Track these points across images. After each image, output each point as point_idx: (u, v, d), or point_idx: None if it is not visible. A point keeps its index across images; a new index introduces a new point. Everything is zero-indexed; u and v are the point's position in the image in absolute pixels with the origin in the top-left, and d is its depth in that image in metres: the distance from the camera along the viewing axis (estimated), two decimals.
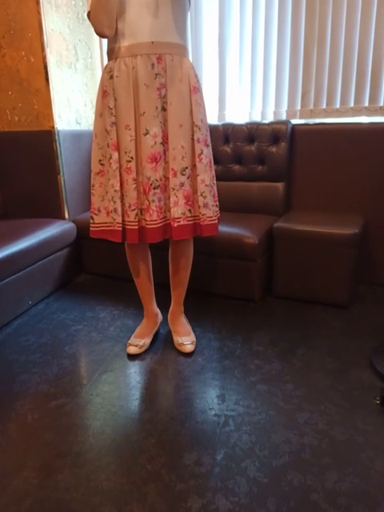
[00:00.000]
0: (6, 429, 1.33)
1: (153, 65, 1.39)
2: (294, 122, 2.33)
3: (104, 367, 1.64)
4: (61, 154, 2.35)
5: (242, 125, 2.36)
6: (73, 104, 2.45)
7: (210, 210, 1.54)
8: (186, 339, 1.74)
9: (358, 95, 2.22)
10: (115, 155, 1.46)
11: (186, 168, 1.48)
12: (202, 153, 1.49)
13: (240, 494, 1.07)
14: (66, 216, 2.46)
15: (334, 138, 2.24)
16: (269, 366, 1.62)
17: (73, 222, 2.42)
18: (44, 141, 2.33)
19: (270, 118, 2.43)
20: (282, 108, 2.40)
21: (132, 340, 1.74)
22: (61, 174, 2.38)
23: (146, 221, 1.49)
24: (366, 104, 2.22)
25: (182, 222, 1.51)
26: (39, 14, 2.14)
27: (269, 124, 2.31)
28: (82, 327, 1.95)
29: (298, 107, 2.36)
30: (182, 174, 1.48)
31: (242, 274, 2.08)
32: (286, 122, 2.28)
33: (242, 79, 2.45)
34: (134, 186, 1.46)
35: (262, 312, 2.06)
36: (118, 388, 1.52)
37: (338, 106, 2.28)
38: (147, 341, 1.76)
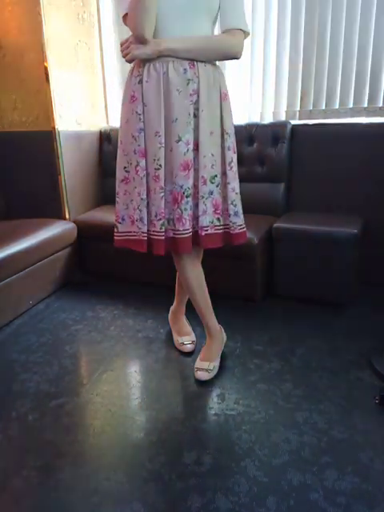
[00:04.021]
0: (7, 428, 1.33)
1: (185, 70, 1.34)
2: (294, 122, 2.34)
3: (104, 367, 1.64)
4: (61, 154, 2.35)
5: (241, 125, 2.36)
6: (73, 104, 2.45)
7: (239, 219, 1.52)
8: (186, 339, 1.75)
9: (357, 96, 2.22)
10: (142, 162, 1.40)
11: (216, 176, 1.44)
12: (232, 161, 1.47)
13: (240, 493, 1.08)
14: (67, 216, 2.46)
15: (334, 139, 2.24)
16: (268, 366, 1.62)
17: (73, 222, 2.42)
18: (45, 141, 2.33)
19: (269, 119, 2.43)
20: (281, 109, 2.40)
21: (199, 364, 1.58)
22: (61, 174, 2.38)
23: (179, 230, 1.42)
24: (365, 104, 2.23)
25: (209, 231, 1.46)
26: (39, 14, 2.14)
27: (268, 125, 2.31)
28: (83, 327, 1.96)
29: (297, 108, 2.37)
30: (212, 182, 1.44)
31: (242, 274, 2.08)
32: (286, 123, 2.29)
33: (241, 80, 2.45)
34: (162, 194, 1.40)
35: (262, 312, 2.06)
36: (118, 387, 1.53)
37: (337, 106, 2.28)
38: (216, 363, 1.60)
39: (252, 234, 2.02)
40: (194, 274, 1.56)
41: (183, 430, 1.30)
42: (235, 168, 1.50)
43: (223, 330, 1.72)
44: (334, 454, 1.19)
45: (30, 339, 1.86)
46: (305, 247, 2.03)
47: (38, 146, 2.36)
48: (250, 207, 2.38)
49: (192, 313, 1.96)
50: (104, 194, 2.69)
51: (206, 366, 1.55)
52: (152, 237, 1.45)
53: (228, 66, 2.45)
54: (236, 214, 1.50)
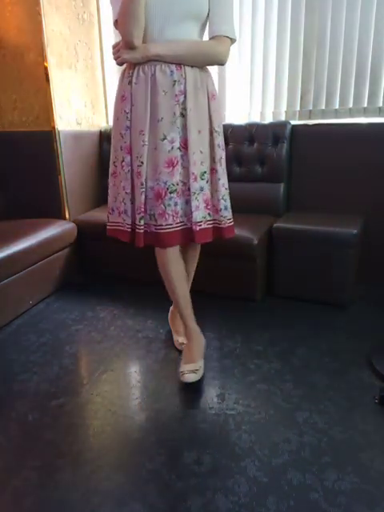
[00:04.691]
0: (7, 428, 1.33)
1: (172, 72, 1.39)
2: (294, 122, 2.34)
3: (104, 367, 1.64)
4: (61, 154, 2.35)
5: (241, 125, 2.36)
6: (73, 104, 2.46)
7: (229, 213, 1.58)
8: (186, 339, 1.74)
9: (357, 95, 2.22)
10: (127, 158, 1.47)
11: (205, 172, 1.50)
12: (221, 157, 1.53)
13: (240, 494, 1.08)
14: (67, 216, 2.46)
15: (334, 139, 2.25)
16: (268, 366, 1.62)
17: (73, 222, 2.42)
18: (44, 141, 2.33)
19: (269, 119, 2.43)
20: (281, 109, 2.40)
21: (184, 367, 1.54)
22: (61, 174, 2.38)
23: (162, 226, 1.46)
24: (365, 104, 2.23)
25: (203, 226, 1.51)
26: (39, 14, 2.14)
27: (268, 125, 2.31)
28: (83, 327, 1.96)
29: (297, 108, 2.37)
30: (202, 179, 1.49)
31: (242, 274, 2.08)
32: (286, 123, 2.29)
33: (242, 80, 2.45)
34: (142, 190, 1.46)
35: (262, 312, 2.06)
36: (118, 387, 1.53)
37: (337, 106, 2.28)
38: (201, 363, 1.58)
39: (252, 233, 2.02)
40: (176, 270, 1.56)
41: (183, 430, 1.30)
42: (224, 164, 1.56)
43: (201, 331, 1.65)
44: (334, 454, 1.19)
45: (30, 339, 1.86)
46: (305, 247, 2.03)
47: (38, 146, 2.36)
48: (250, 207, 2.40)
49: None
50: (104, 193, 2.64)
51: (192, 368, 1.52)
52: (134, 229, 1.52)
53: (228, 66, 2.45)
54: (226, 208, 1.56)
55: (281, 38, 2.30)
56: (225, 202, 1.55)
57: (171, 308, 1.88)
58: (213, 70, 2.45)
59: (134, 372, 1.62)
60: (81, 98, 2.52)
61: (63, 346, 1.80)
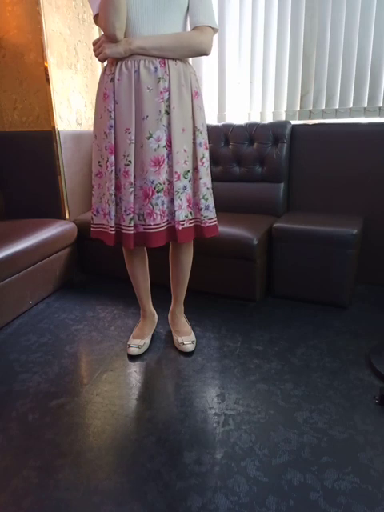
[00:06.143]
0: (7, 428, 1.33)
1: (156, 68, 1.38)
2: (294, 122, 2.34)
3: (104, 367, 1.64)
4: (61, 154, 2.35)
5: (241, 125, 2.36)
6: (73, 105, 2.46)
7: (210, 212, 1.58)
8: (186, 339, 1.75)
9: (357, 96, 2.23)
10: (111, 158, 1.45)
11: (188, 171, 1.50)
12: (203, 157, 1.53)
13: (240, 493, 1.08)
14: (67, 216, 2.46)
15: (334, 139, 2.25)
16: (268, 366, 1.62)
17: (73, 222, 2.42)
18: (45, 141, 2.33)
19: (269, 119, 2.43)
20: (281, 109, 2.40)
21: (132, 341, 1.75)
22: (61, 174, 2.38)
23: (150, 225, 1.48)
24: (365, 104, 2.23)
25: (185, 225, 1.52)
26: (39, 14, 2.14)
27: (268, 125, 2.31)
28: (83, 327, 1.96)
29: (297, 108, 2.37)
30: (185, 178, 1.49)
31: (242, 274, 2.08)
32: (286, 123, 2.29)
33: (242, 80, 2.45)
34: (131, 190, 1.45)
35: (262, 312, 2.06)
36: (118, 387, 1.53)
37: (337, 106, 2.29)
38: (147, 341, 1.77)
39: (252, 233, 2.02)
40: (141, 269, 1.73)
41: (183, 430, 1.30)
42: (207, 164, 1.55)
43: (156, 314, 1.91)
44: (334, 454, 1.19)
45: (30, 339, 1.86)
46: (305, 247, 2.03)
47: (38, 146, 2.36)
48: (250, 207, 2.40)
49: (192, 313, 1.96)
50: None
51: (137, 343, 1.72)
52: (122, 231, 1.51)
53: (228, 66, 2.45)
54: (207, 207, 1.56)
55: (281, 38, 2.30)
56: (206, 201, 1.55)
57: (171, 308, 1.88)
58: (213, 69, 2.48)
59: (134, 372, 1.62)
60: (81, 98, 2.52)
61: (63, 346, 1.80)
